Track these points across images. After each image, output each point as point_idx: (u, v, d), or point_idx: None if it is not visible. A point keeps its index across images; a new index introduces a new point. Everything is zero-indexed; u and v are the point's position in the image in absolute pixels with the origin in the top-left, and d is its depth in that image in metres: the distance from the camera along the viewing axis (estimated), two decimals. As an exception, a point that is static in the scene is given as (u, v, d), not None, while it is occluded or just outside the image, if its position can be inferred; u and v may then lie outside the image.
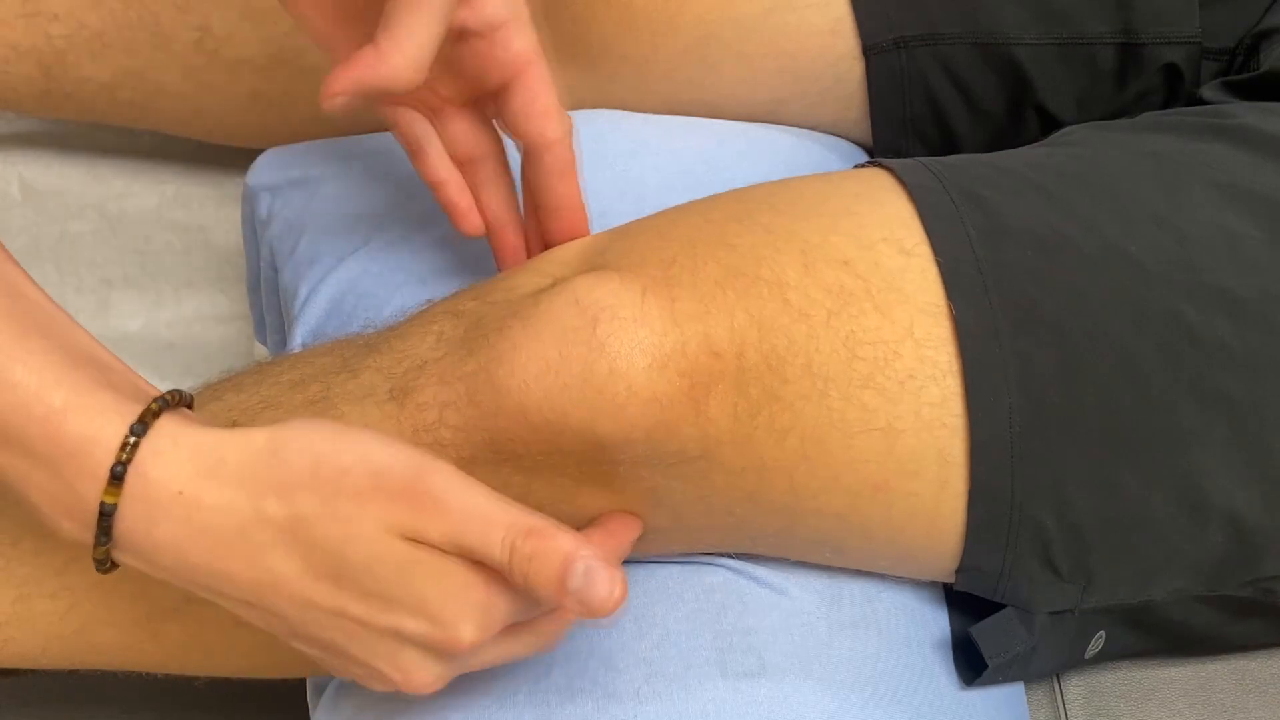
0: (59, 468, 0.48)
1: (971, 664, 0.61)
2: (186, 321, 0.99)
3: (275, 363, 0.63)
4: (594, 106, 0.78)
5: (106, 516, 0.48)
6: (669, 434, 0.54)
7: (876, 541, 0.58)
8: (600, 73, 0.77)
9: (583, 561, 0.48)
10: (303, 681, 0.69)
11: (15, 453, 0.48)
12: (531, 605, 0.51)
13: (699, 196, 0.63)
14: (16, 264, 0.52)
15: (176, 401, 0.50)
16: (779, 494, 0.56)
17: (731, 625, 0.60)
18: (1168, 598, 0.60)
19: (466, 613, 0.49)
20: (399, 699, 0.61)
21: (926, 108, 0.76)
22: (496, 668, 0.60)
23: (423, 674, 0.51)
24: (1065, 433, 0.55)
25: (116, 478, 0.47)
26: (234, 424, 0.58)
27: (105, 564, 0.50)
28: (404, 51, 0.55)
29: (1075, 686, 0.67)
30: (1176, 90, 0.74)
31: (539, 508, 0.56)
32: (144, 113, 0.85)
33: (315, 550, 0.49)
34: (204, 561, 0.49)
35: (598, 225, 0.64)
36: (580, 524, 0.58)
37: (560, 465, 0.55)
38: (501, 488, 0.56)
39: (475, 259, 0.70)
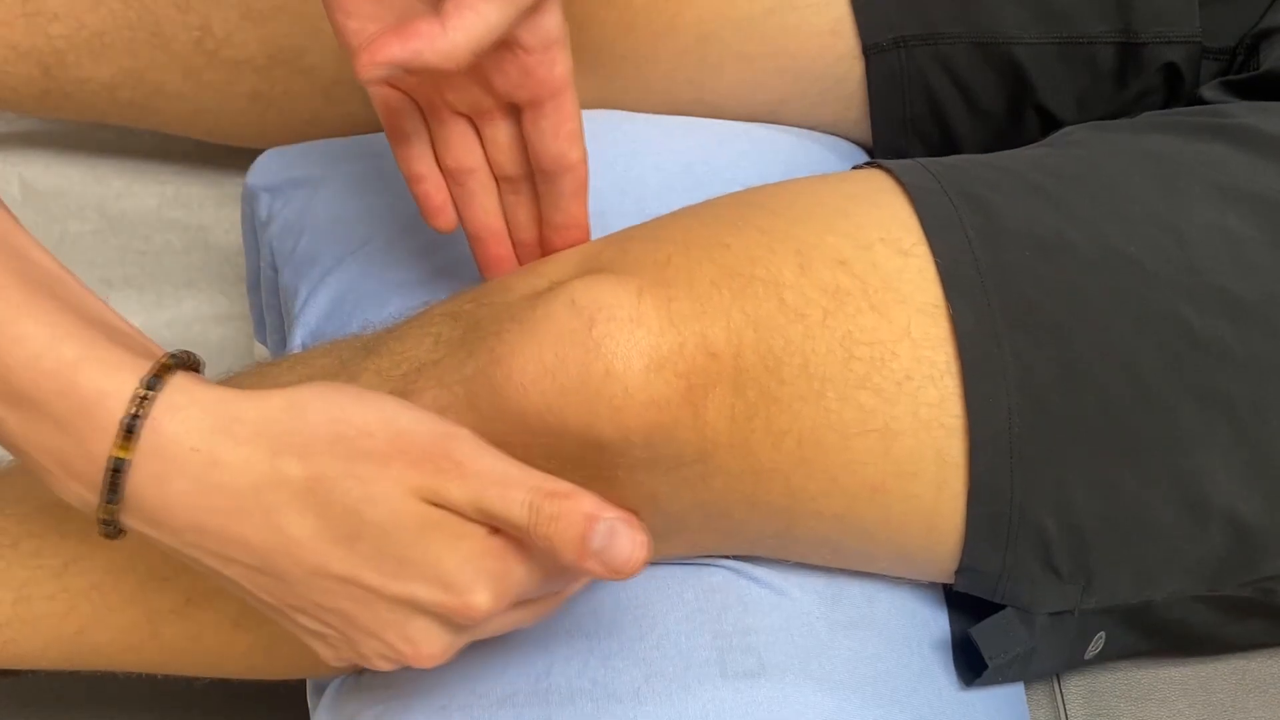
0: (69, 423, 0.46)
1: (971, 664, 0.61)
2: (186, 321, 0.99)
3: (274, 364, 0.63)
4: (594, 106, 0.78)
5: (117, 473, 0.47)
6: (667, 436, 0.54)
7: (875, 543, 0.58)
8: (600, 73, 0.77)
9: (605, 522, 0.48)
10: (303, 682, 0.69)
11: (23, 409, 0.47)
12: (546, 580, 0.51)
13: (699, 197, 0.63)
14: (26, 231, 0.51)
15: (188, 362, 0.50)
16: (777, 497, 0.56)
17: (731, 625, 0.60)
18: (1168, 598, 0.60)
19: (482, 580, 0.49)
20: (399, 699, 0.61)
21: (926, 108, 0.76)
22: (496, 668, 0.60)
23: (432, 645, 0.50)
24: (1065, 433, 0.55)
25: (129, 431, 0.46)
26: None
27: (111, 526, 0.49)
28: (470, 32, 0.53)
29: (1075, 686, 0.67)
30: (1176, 90, 0.74)
31: None
32: (144, 113, 0.85)
33: (332, 511, 0.48)
34: (215, 523, 0.48)
35: (597, 225, 0.64)
36: None
37: (559, 468, 0.55)
38: None
39: (471, 262, 0.70)
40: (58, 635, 0.60)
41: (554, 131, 0.60)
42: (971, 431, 0.55)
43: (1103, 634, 0.62)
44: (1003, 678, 0.61)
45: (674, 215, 0.61)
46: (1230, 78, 0.70)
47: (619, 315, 0.54)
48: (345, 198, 0.77)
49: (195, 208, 0.97)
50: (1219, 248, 0.57)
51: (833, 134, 0.80)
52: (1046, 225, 0.57)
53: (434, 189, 0.63)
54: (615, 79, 0.77)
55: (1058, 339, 0.55)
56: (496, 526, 0.49)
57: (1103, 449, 0.56)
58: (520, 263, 0.66)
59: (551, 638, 0.61)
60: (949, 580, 0.60)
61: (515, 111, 0.61)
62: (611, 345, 0.54)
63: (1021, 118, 0.76)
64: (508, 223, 0.64)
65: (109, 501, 0.47)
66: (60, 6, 0.81)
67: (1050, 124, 0.75)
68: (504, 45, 0.57)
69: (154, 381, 0.47)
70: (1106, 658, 0.64)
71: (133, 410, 0.46)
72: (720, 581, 0.62)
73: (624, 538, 0.48)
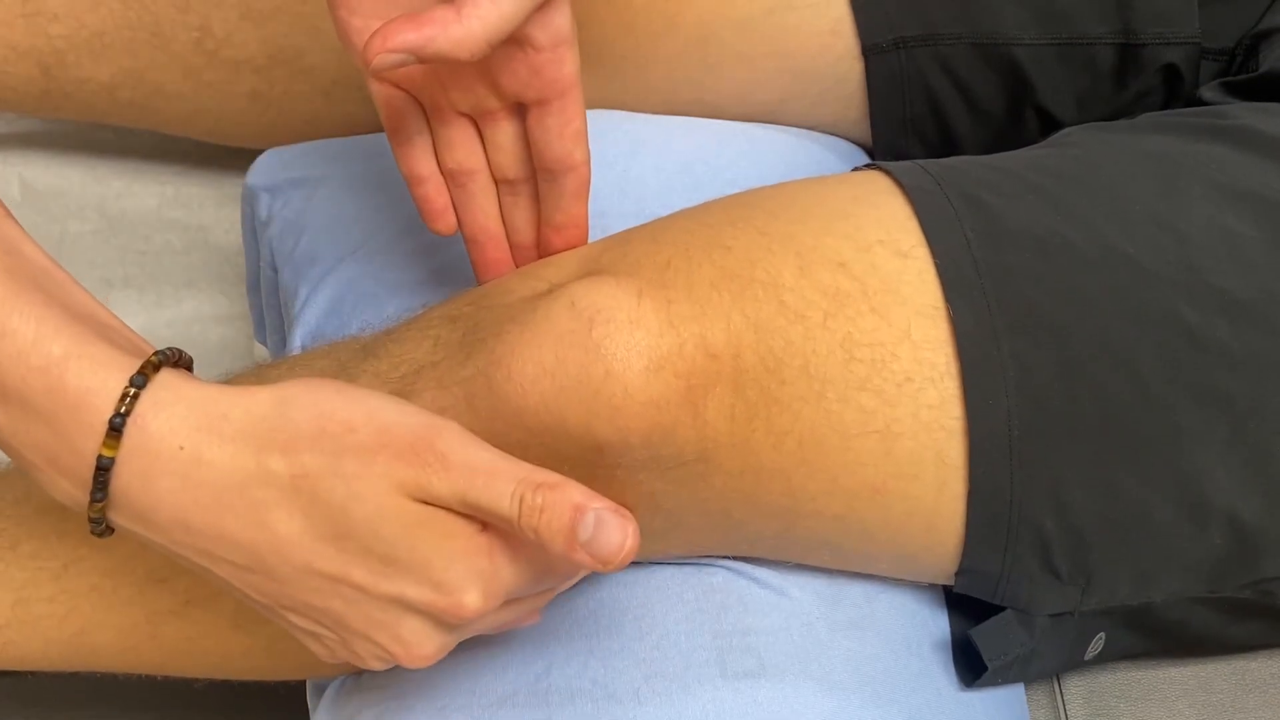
0: (56, 421, 0.46)
1: (971, 665, 0.61)
2: (186, 321, 0.99)
3: (273, 366, 0.63)
4: (594, 106, 0.78)
5: (104, 471, 0.47)
6: (666, 437, 0.54)
7: (875, 544, 0.58)
8: (600, 73, 0.77)
9: (593, 512, 0.48)
10: (302, 682, 0.69)
11: (12, 405, 0.47)
12: (536, 578, 0.51)
13: (699, 197, 0.63)
14: (17, 224, 0.51)
15: (177, 359, 0.49)
16: (777, 496, 0.56)
17: (731, 625, 0.60)
18: (1168, 599, 0.60)
19: (471, 579, 0.49)
20: (399, 699, 0.61)
21: (926, 108, 0.76)
22: (496, 668, 0.60)
23: (423, 645, 0.50)
24: (1064, 434, 0.55)
25: (115, 430, 0.46)
26: None
27: (100, 524, 0.49)
28: (486, 20, 0.53)
29: (1075, 687, 0.67)
30: (1176, 91, 0.74)
31: None
32: (144, 113, 0.85)
33: (319, 508, 0.47)
34: (202, 521, 0.48)
35: (597, 225, 0.64)
36: None
37: (557, 468, 0.55)
38: None
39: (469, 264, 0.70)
40: (57, 636, 0.60)
41: (559, 131, 0.59)
42: (971, 433, 0.55)
43: (1103, 635, 0.62)
44: (1002, 679, 0.61)
45: (674, 217, 0.61)
46: (1230, 78, 0.70)
47: (618, 317, 0.54)
48: (345, 198, 0.77)
49: (195, 208, 0.97)
50: (1218, 247, 0.57)
51: (832, 134, 0.80)
52: (1046, 226, 0.57)
53: (435, 191, 0.63)
54: (615, 79, 0.77)
55: (1057, 340, 0.55)
56: (485, 521, 0.49)
57: (1102, 449, 0.56)
58: (516, 266, 0.66)
59: (551, 638, 0.61)
60: (949, 581, 0.60)
61: (519, 112, 0.60)
62: (611, 346, 0.54)
63: (1021, 118, 0.76)
64: (505, 226, 0.64)
65: (96, 500, 0.47)
66: (60, 6, 0.81)
67: (1050, 124, 0.75)
68: (514, 42, 0.56)
69: (140, 379, 0.47)
70: (1106, 659, 0.64)
71: (119, 409, 0.46)
72: (720, 581, 0.62)
73: (613, 528, 0.48)
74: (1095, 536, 0.57)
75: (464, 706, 0.59)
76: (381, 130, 0.79)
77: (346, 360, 0.60)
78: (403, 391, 0.57)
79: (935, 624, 0.63)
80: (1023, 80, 0.74)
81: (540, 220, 0.63)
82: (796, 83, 0.77)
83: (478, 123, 0.62)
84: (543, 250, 0.63)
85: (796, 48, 0.76)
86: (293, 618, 0.51)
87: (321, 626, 0.51)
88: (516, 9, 0.53)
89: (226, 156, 0.94)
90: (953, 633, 0.63)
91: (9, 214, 0.51)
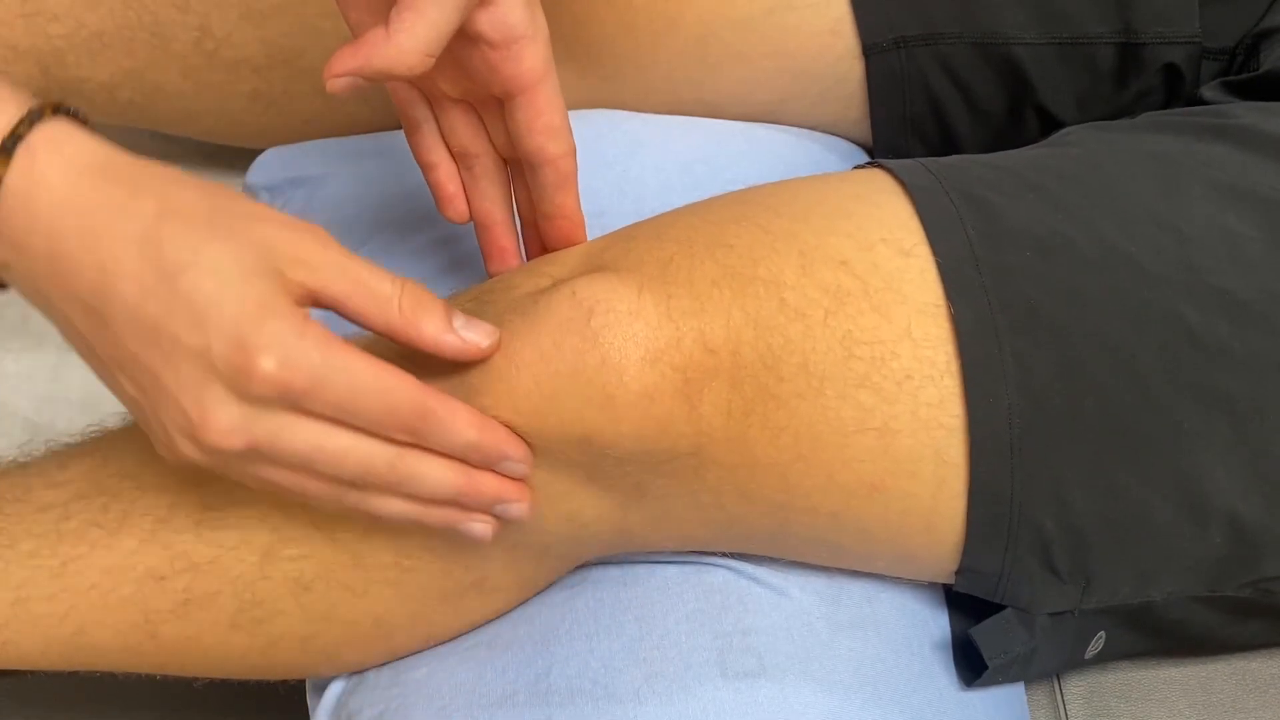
0: None
1: (971, 665, 0.61)
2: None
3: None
4: (594, 106, 0.78)
5: None
6: (660, 432, 0.54)
7: (874, 542, 0.58)
8: (600, 73, 0.77)
9: (464, 316, 0.52)
10: (302, 682, 0.69)
11: None
12: (350, 392, 0.50)
13: (699, 196, 0.63)
14: None
15: (77, 113, 0.50)
16: (772, 491, 0.56)
17: (731, 625, 0.60)
18: (1168, 599, 0.60)
19: (274, 345, 0.48)
20: (399, 699, 0.61)
21: (926, 108, 0.76)
22: (496, 668, 0.60)
23: (219, 414, 0.49)
24: (1065, 433, 0.55)
25: (5, 151, 0.48)
26: None
27: None
28: (414, 33, 0.54)
29: (1075, 686, 0.67)
30: (1176, 90, 0.74)
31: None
32: (144, 113, 0.85)
33: (167, 254, 0.48)
34: (68, 250, 0.48)
35: (596, 225, 0.65)
36: (563, 519, 0.58)
37: (546, 457, 0.55)
38: None
39: (474, 259, 0.70)
40: (56, 635, 0.60)
41: (529, 125, 0.60)
42: (971, 431, 0.55)
43: (1103, 634, 0.62)
44: (1003, 678, 0.61)
45: (677, 213, 0.61)
46: (1230, 78, 0.70)
47: (618, 308, 0.54)
48: (345, 198, 0.77)
49: (195, 207, 0.97)
50: (1219, 247, 0.57)
51: (833, 134, 0.80)
52: (1047, 225, 0.57)
53: (446, 177, 0.65)
54: (615, 79, 0.78)
55: (1058, 339, 0.55)
56: (335, 309, 0.51)
57: (1102, 449, 0.56)
58: (527, 246, 0.66)
59: (551, 638, 0.61)
60: (949, 580, 0.60)
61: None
62: (609, 335, 0.54)
63: (1021, 118, 0.76)
64: (519, 205, 0.65)
65: None
66: (60, 6, 0.81)
67: (1050, 124, 0.75)
68: (469, 40, 0.57)
69: (37, 114, 0.49)
70: (1106, 658, 0.64)
71: (14, 130, 0.48)
72: (720, 581, 0.62)
73: (481, 323, 0.52)
74: (1095, 536, 0.57)
75: (464, 706, 0.59)
76: (381, 129, 0.79)
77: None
78: None
79: (935, 623, 0.63)
80: (1023, 80, 0.74)
81: (535, 212, 0.63)
82: (797, 82, 0.77)
83: (477, 108, 0.63)
84: (544, 240, 0.64)
85: (797, 48, 0.76)
86: (122, 379, 0.51)
87: (142, 390, 0.50)
88: (443, 15, 0.54)
89: (226, 156, 0.94)
90: (953, 632, 0.63)
91: None
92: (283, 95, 0.83)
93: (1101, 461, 0.56)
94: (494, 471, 0.54)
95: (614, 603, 0.61)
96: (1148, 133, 0.64)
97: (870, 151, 0.80)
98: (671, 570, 0.62)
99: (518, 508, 0.55)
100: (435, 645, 0.63)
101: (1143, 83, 0.74)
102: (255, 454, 0.51)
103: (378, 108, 0.79)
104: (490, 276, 0.66)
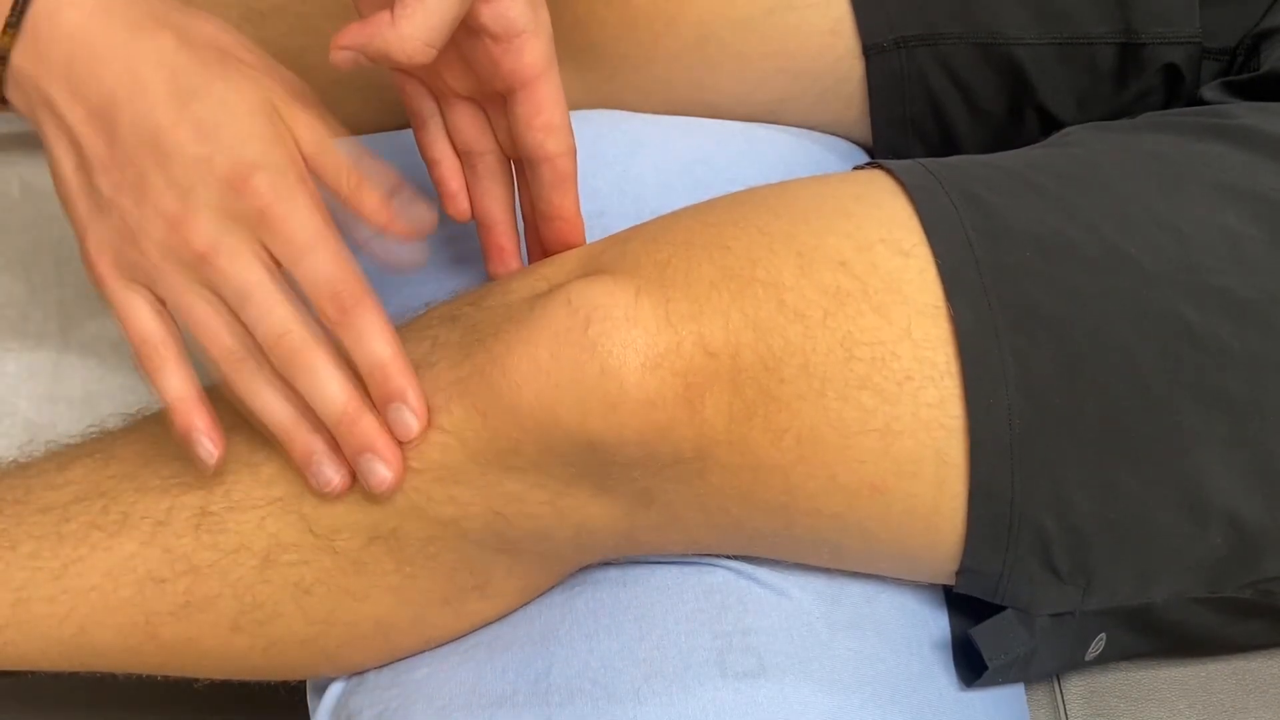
0: None
1: (971, 665, 0.61)
2: (186, 320, 0.99)
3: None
4: (594, 106, 0.78)
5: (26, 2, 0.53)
6: (662, 435, 0.54)
7: (875, 543, 0.58)
8: (600, 73, 0.77)
9: (409, 196, 0.56)
10: (303, 683, 0.69)
11: None
12: (311, 227, 0.54)
13: (699, 196, 0.63)
14: None
15: None
16: (775, 494, 0.56)
17: (731, 625, 0.60)
18: (1168, 599, 0.60)
19: (271, 166, 0.54)
20: (399, 699, 0.61)
21: (927, 108, 0.76)
22: (496, 668, 0.60)
23: (201, 214, 0.54)
24: (1065, 434, 0.55)
25: None
26: (233, 425, 0.59)
27: (3, 63, 0.55)
28: (415, 22, 0.55)
29: (1075, 687, 0.67)
30: (1177, 90, 0.74)
31: (532, 511, 0.57)
32: (144, 112, 0.85)
33: (184, 73, 0.54)
34: (88, 56, 0.54)
35: (596, 225, 0.65)
36: (571, 528, 0.58)
37: (549, 466, 0.55)
38: (491, 490, 0.56)
39: (474, 259, 0.70)
40: (57, 636, 0.60)
41: (528, 121, 0.60)
42: (972, 432, 0.55)
43: (1103, 635, 0.62)
44: (1003, 678, 0.61)
45: (675, 215, 0.61)
46: (1231, 78, 0.70)
47: (615, 314, 0.54)
48: (345, 197, 0.77)
49: (195, 207, 0.97)
50: (1219, 247, 0.57)
51: (833, 134, 0.80)
52: (1047, 225, 0.57)
53: (449, 174, 0.65)
54: (615, 79, 0.78)
55: (1058, 339, 0.55)
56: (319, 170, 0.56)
57: (1103, 449, 0.56)
58: (529, 246, 0.66)
59: (551, 638, 0.61)
60: (949, 581, 0.60)
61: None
62: (607, 344, 0.54)
63: (1021, 118, 0.76)
64: (521, 203, 0.65)
65: (11, 27, 0.53)
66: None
67: (1050, 124, 0.75)
68: (472, 34, 0.58)
69: None
70: (1107, 659, 0.64)
71: None
72: (720, 581, 0.62)
73: (420, 209, 0.56)
74: (1096, 536, 0.57)
75: (464, 706, 0.59)
76: (382, 130, 0.79)
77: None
78: None
79: (935, 624, 0.63)
80: (1023, 80, 0.74)
81: (534, 213, 0.64)
82: (797, 83, 0.77)
83: (483, 105, 0.63)
84: (543, 243, 0.64)
85: (797, 48, 0.76)
86: (101, 180, 0.55)
87: (120, 190, 0.54)
88: (445, 6, 0.55)
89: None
90: (953, 632, 0.63)
91: None
92: (283, 95, 0.83)
93: (1102, 462, 0.56)
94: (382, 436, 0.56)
95: (614, 603, 0.61)
96: (1148, 133, 0.64)
97: (870, 152, 0.80)
98: (671, 570, 0.62)
99: (383, 472, 0.55)
100: (436, 646, 0.63)
101: (1143, 83, 0.74)
102: (206, 267, 0.54)
103: (380, 108, 0.79)
104: (490, 276, 0.66)
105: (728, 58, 0.76)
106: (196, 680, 0.63)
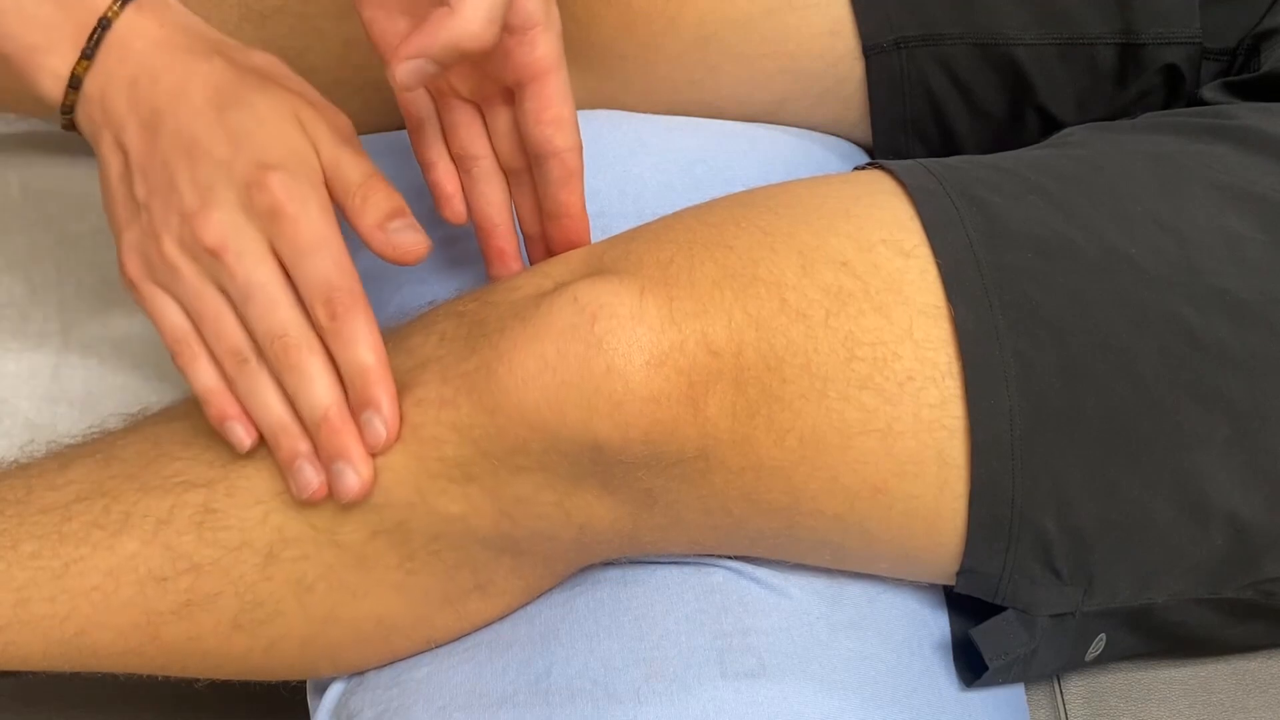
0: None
1: (972, 665, 0.61)
2: (187, 321, 0.99)
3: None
4: (594, 106, 0.78)
5: (103, 28, 0.58)
6: (666, 433, 0.54)
7: (876, 543, 0.58)
8: (600, 73, 0.77)
9: (408, 219, 0.58)
10: (303, 683, 0.69)
11: None
12: (316, 231, 0.56)
13: (699, 197, 0.63)
14: None
15: None
16: (778, 494, 0.56)
17: (731, 625, 0.60)
18: (1168, 600, 0.60)
19: (288, 168, 0.56)
20: (399, 699, 0.61)
21: (927, 108, 0.76)
22: (496, 668, 0.60)
23: (218, 208, 0.56)
24: (1066, 435, 0.55)
25: (122, 3, 0.58)
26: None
27: (74, 89, 0.59)
28: (473, 3, 0.55)
29: (1075, 687, 0.67)
30: (1177, 91, 0.74)
31: (539, 512, 0.57)
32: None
33: (228, 88, 0.58)
34: (149, 76, 0.58)
35: (597, 225, 0.65)
36: (576, 529, 0.58)
37: (556, 465, 0.55)
38: (498, 489, 0.56)
39: (475, 259, 0.70)
40: (58, 637, 0.60)
41: (536, 116, 0.60)
42: (973, 433, 0.55)
43: (1103, 636, 0.62)
44: (1003, 679, 0.61)
45: (677, 215, 0.61)
46: (1231, 78, 0.70)
47: (620, 313, 0.54)
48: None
49: (195, 207, 0.97)
50: (1219, 248, 0.57)
51: (833, 134, 0.80)
52: (1047, 226, 0.57)
53: (444, 177, 0.66)
54: (615, 79, 0.78)
55: (1058, 340, 0.55)
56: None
57: (1103, 450, 0.56)
58: (530, 256, 0.66)
59: (551, 638, 0.61)
60: (950, 581, 0.60)
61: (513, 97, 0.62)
62: (613, 341, 0.54)
63: (1022, 118, 0.76)
64: (518, 215, 0.66)
65: (85, 56, 0.58)
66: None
67: (1050, 124, 0.75)
68: None
69: None
70: (1107, 659, 0.64)
71: None
72: (720, 581, 0.62)
73: (416, 235, 0.58)
74: (1096, 537, 0.57)
75: (464, 706, 0.59)
76: (381, 131, 0.79)
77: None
78: (406, 384, 0.57)
79: (935, 624, 0.63)
80: (1023, 80, 0.74)
81: (540, 212, 0.64)
82: (797, 83, 0.77)
83: (482, 108, 0.63)
84: (548, 242, 0.64)
85: (797, 48, 0.76)
86: (137, 180, 0.58)
87: (152, 189, 0.57)
88: None
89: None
90: (953, 632, 0.63)
91: None
92: (283, 96, 0.83)
93: (1102, 462, 0.56)
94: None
95: (614, 603, 0.61)
96: (1148, 133, 0.64)
97: (870, 152, 0.80)
98: (671, 570, 0.62)
99: (351, 480, 0.56)
100: (436, 646, 0.63)
101: (1143, 83, 0.74)
102: (216, 262, 0.56)
103: (380, 109, 0.79)
104: (491, 280, 0.66)
105: (728, 58, 0.76)
106: (197, 680, 0.63)
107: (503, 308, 0.58)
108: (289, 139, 0.57)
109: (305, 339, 0.57)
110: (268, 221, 0.56)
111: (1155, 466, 0.56)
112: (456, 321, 0.59)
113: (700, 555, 0.62)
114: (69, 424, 0.81)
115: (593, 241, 0.63)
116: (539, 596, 0.63)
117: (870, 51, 0.75)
